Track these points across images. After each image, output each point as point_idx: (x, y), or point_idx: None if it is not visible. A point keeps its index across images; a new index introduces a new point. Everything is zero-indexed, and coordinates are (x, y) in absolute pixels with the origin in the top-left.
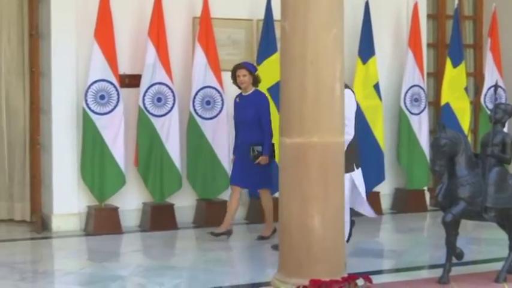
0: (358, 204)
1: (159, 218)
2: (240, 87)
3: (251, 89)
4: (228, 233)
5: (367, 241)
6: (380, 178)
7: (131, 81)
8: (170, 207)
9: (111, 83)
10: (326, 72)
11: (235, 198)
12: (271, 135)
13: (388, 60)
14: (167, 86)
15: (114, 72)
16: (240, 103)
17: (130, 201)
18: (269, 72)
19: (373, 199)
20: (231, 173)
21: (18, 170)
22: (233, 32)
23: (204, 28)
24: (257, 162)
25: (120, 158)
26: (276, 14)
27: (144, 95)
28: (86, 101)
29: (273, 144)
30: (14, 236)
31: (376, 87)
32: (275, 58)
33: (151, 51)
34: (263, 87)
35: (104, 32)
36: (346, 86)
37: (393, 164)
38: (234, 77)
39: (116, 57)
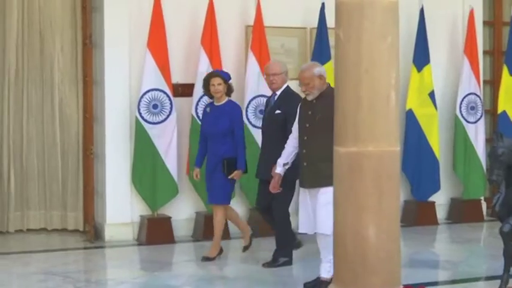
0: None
1: (212, 227)
2: (211, 97)
3: (224, 99)
4: (220, 252)
5: (422, 252)
6: (435, 187)
7: (184, 90)
8: None
9: (164, 92)
10: (381, 80)
11: (215, 218)
12: (245, 149)
13: (444, 68)
14: None
15: (167, 81)
16: (212, 113)
17: (183, 210)
18: None
19: (428, 209)
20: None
21: (71, 179)
22: (286, 41)
23: (257, 36)
24: (231, 177)
25: (173, 167)
26: (330, 22)
27: (197, 104)
28: (138, 110)
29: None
30: (67, 246)
31: (431, 95)
32: (329, 66)
33: (204, 60)
34: None
35: (156, 40)
36: None
37: (449, 173)
38: (207, 85)
39: (169, 66)
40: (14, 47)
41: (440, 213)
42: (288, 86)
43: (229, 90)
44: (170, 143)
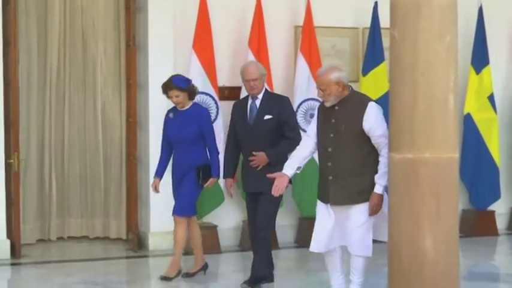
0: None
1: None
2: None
3: (189, 104)
4: (205, 267)
5: (481, 264)
6: (495, 196)
7: (231, 93)
8: None
9: (210, 96)
10: (438, 83)
11: (176, 232)
12: (218, 154)
13: (504, 69)
14: None
15: (213, 84)
16: (177, 119)
17: (230, 218)
18: (375, 83)
19: (488, 218)
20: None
21: (114, 186)
22: (337, 41)
23: (306, 37)
24: (206, 185)
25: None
26: (383, 22)
27: None
28: None
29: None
30: (109, 255)
31: (491, 98)
32: (382, 68)
33: None
34: None
35: (202, 42)
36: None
37: (509, 180)
38: (166, 94)
39: (215, 69)
40: (55, 50)
41: (501, 223)
42: (266, 89)
43: (191, 95)
44: None
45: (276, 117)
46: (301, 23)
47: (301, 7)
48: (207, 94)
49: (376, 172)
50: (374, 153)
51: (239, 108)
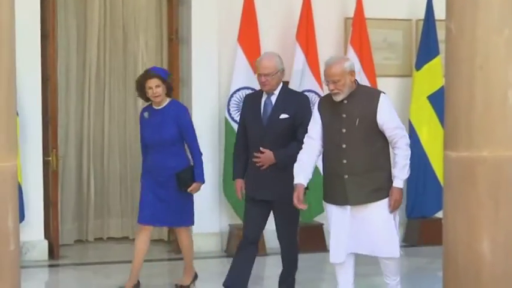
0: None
1: (307, 239)
2: (147, 100)
3: (166, 101)
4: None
5: None
6: None
7: None
8: (319, 228)
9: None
10: (497, 77)
11: (144, 241)
12: (201, 155)
13: None
14: (316, 93)
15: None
16: (153, 119)
17: None
18: (430, 77)
19: None
20: (139, 210)
21: None
22: (389, 34)
23: (357, 30)
24: (190, 190)
25: None
26: (438, 13)
27: None
28: (228, 110)
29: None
30: (150, 256)
31: None
32: (436, 62)
33: (299, 56)
34: (423, 94)
35: (248, 35)
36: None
37: None
38: (142, 88)
39: None
40: (95, 44)
41: None
42: (284, 85)
43: (169, 90)
44: None
45: (293, 117)
46: (351, 14)
47: None
48: (252, 89)
49: (390, 167)
50: (387, 147)
51: (252, 103)
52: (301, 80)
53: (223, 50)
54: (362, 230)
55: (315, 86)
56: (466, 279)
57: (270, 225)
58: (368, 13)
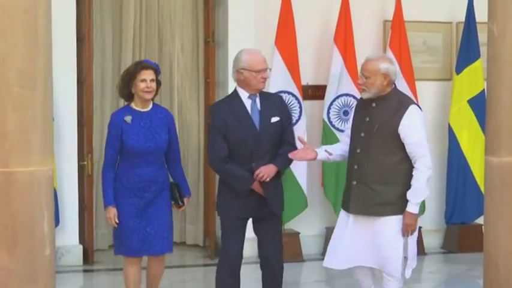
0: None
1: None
2: (127, 99)
3: (150, 103)
4: None
5: None
6: None
7: (315, 92)
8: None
9: (293, 95)
10: None
11: (137, 271)
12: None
13: None
14: (354, 97)
15: (296, 82)
16: (139, 124)
17: (313, 225)
18: (470, 81)
19: None
20: (124, 238)
21: (192, 189)
22: (429, 37)
23: (396, 32)
24: (184, 208)
25: (303, 177)
26: (479, 15)
27: (329, 108)
28: None
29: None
30: (185, 262)
31: None
32: (477, 65)
33: (337, 60)
34: (463, 98)
35: (285, 38)
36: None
37: None
38: (130, 82)
39: (299, 66)
40: (130, 47)
41: None
42: None
43: (157, 90)
44: None
45: (281, 119)
46: (390, 17)
47: (390, 0)
48: (289, 93)
49: (408, 186)
50: (407, 163)
51: (231, 111)
52: (338, 83)
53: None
54: (367, 243)
55: (353, 90)
56: (507, 287)
57: (307, 231)
58: (407, 16)
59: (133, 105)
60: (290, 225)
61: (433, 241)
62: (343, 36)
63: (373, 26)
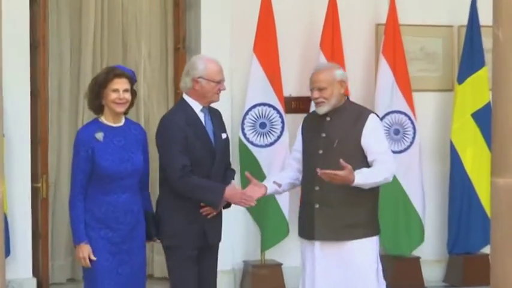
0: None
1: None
2: (97, 112)
3: (123, 117)
4: None
5: None
6: None
7: (299, 105)
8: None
9: (274, 108)
10: None
11: None
12: None
13: None
14: None
15: (277, 94)
16: (112, 142)
17: (295, 255)
18: (474, 92)
19: None
20: (96, 280)
21: None
22: (427, 42)
23: (390, 38)
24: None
25: (285, 200)
26: (483, 19)
27: None
28: (242, 130)
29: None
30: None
31: None
32: (482, 74)
33: None
34: (466, 111)
35: (265, 44)
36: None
37: None
38: (100, 91)
39: (280, 75)
40: (90, 53)
41: None
42: None
43: (132, 102)
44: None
45: (227, 137)
46: (383, 20)
47: (383, 2)
48: (270, 106)
49: (374, 203)
50: None
51: (189, 125)
52: None
53: (237, 61)
54: (338, 274)
55: None
56: None
57: (290, 261)
58: (403, 19)
59: (103, 119)
60: (270, 255)
61: (433, 273)
62: (331, 41)
63: (364, 30)
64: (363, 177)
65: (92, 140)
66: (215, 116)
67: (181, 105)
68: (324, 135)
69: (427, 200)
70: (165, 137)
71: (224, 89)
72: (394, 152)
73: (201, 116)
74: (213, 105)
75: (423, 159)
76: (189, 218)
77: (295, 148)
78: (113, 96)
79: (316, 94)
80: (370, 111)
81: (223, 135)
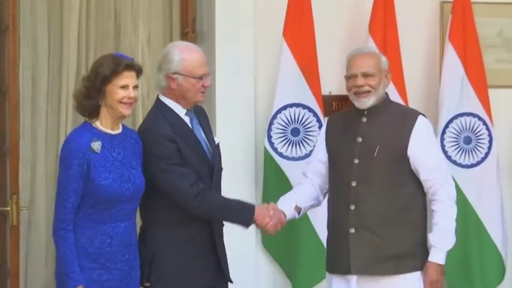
0: None
1: None
2: (92, 115)
3: (120, 123)
4: None
5: None
6: None
7: (341, 105)
8: None
9: (310, 109)
10: None
11: None
12: None
13: None
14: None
15: (314, 92)
16: (111, 154)
17: None
18: None
19: None
20: None
21: None
22: (507, 24)
23: (459, 19)
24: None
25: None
26: None
27: None
28: (269, 138)
29: None
30: None
31: None
32: None
33: None
34: None
35: (298, 27)
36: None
37: None
38: (102, 88)
39: (318, 68)
40: (75, 39)
41: None
42: None
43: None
44: None
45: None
46: None
47: None
48: (304, 107)
49: (424, 226)
50: (422, 197)
51: (177, 135)
52: None
53: (262, 49)
54: None
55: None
56: None
57: None
58: None
59: (98, 124)
60: None
61: None
62: (382, 25)
63: (426, 10)
64: (441, 247)
65: (87, 152)
66: (201, 117)
67: (160, 110)
68: (360, 140)
69: (509, 227)
70: (153, 156)
71: (208, 85)
72: (464, 166)
73: (187, 120)
74: (231, 105)
75: (502, 175)
76: (191, 252)
77: (316, 158)
78: (121, 94)
79: (360, 81)
80: (418, 113)
81: (216, 140)
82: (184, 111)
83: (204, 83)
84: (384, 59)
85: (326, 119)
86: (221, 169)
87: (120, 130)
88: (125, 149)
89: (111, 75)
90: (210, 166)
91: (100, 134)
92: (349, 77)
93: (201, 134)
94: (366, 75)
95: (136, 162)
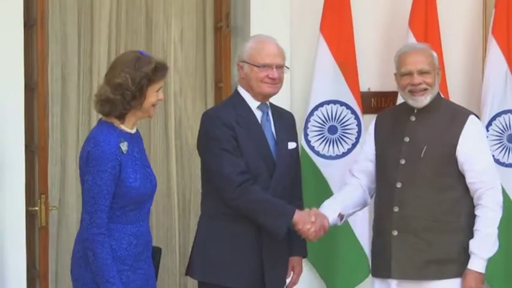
0: None
1: None
2: (121, 116)
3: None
4: None
5: None
6: None
7: (380, 102)
8: None
9: (348, 106)
10: None
11: None
12: None
13: None
14: None
15: (352, 88)
16: (133, 154)
17: None
18: None
19: None
20: None
21: None
22: None
23: (503, 11)
24: None
25: (364, 230)
26: None
27: None
28: (305, 136)
29: None
30: None
31: None
32: None
33: None
34: None
35: (336, 22)
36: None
37: None
38: (143, 90)
39: (356, 64)
40: (105, 36)
41: None
42: None
43: None
44: None
45: (297, 147)
46: None
47: None
48: (342, 104)
49: (470, 231)
50: (469, 201)
51: (239, 124)
52: None
53: (298, 45)
54: None
55: None
56: None
57: None
58: None
59: (119, 123)
60: None
61: None
62: (424, 17)
63: (468, 4)
64: (481, 254)
65: (118, 153)
66: (282, 119)
67: (232, 99)
68: (407, 139)
69: None
70: (207, 137)
71: (276, 77)
72: (508, 165)
73: (258, 114)
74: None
75: None
76: (238, 244)
77: (365, 156)
78: (155, 97)
79: (417, 79)
80: (469, 112)
81: (290, 145)
82: (257, 104)
83: (269, 74)
84: (435, 54)
85: (364, 116)
86: (289, 172)
87: (135, 129)
88: (140, 147)
89: (151, 76)
90: (271, 164)
91: (123, 134)
92: (404, 75)
93: (270, 131)
94: (421, 72)
95: (147, 160)
